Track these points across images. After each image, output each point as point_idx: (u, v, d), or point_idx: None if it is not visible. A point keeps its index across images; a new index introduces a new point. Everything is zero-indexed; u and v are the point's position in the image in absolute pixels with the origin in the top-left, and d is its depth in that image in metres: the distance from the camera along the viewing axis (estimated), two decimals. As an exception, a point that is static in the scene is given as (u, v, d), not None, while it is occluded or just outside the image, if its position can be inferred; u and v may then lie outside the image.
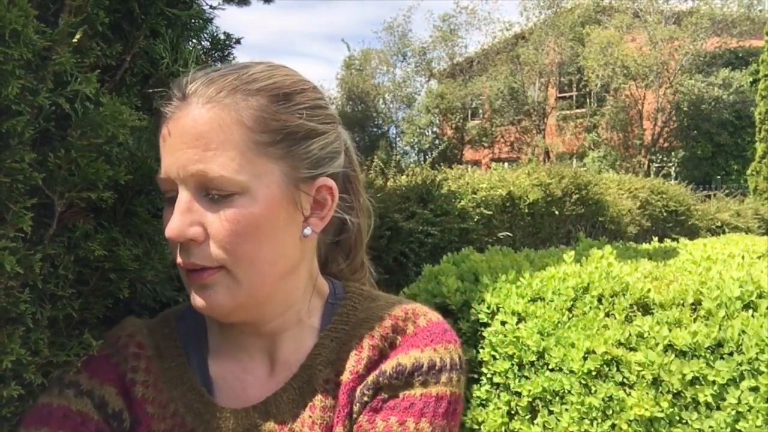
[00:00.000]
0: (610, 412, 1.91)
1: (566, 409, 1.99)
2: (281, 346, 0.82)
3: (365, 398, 0.77)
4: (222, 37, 1.16)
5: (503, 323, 2.20)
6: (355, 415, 0.77)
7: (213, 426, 0.78)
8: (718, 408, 1.78)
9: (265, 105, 0.75)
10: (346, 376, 0.78)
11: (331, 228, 0.89)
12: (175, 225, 0.72)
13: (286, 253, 0.78)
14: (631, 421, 1.87)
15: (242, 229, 0.72)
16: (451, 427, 0.76)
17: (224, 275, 0.74)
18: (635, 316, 2.03)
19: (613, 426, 1.90)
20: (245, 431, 0.78)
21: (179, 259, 0.75)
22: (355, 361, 0.79)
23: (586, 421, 1.95)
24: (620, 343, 1.95)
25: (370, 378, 0.77)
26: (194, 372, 0.82)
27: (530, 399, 2.07)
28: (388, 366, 0.77)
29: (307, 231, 0.79)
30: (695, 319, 1.92)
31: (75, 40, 0.77)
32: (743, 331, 1.81)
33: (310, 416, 0.78)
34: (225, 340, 0.84)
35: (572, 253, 2.53)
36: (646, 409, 1.83)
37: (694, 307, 1.97)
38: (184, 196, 0.73)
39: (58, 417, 0.74)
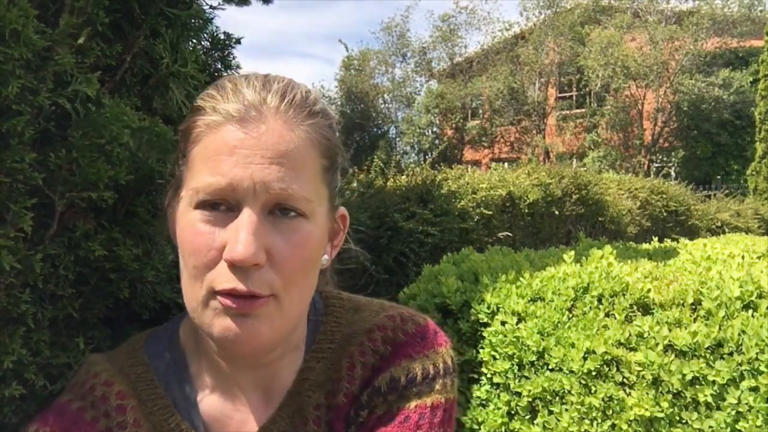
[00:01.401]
0: (610, 412, 1.91)
1: (566, 409, 1.99)
2: (276, 375, 0.76)
3: (360, 419, 0.74)
4: (222, 37, 1.16)
5: (503, 323, 2.20)
6: None
7: None
8: (718, 408, 1.78)
9: (326, 128, 0.73)
10: (340, 400, 0.74)
11: None
12: (250, 247, 0.64)
13: (315, 279, 0.75)
14: (631, 421, 1.87)
15: (306, 255, 0.69)
16: None
17: (272, 305, 0.68)
18: (635, 316, 2.03)
19: (613, 426, 1.90)
20: None
21: (233, 286, 0.65)
22: (348, 383, 0.75)
23: (586, 421, 1.95)
24: (620, 343, 1.95)
25: (364, 397, 0.74)
26: (182, 416, 0.74)
27: (530, 399, 2.07)
28: (381, 381, 0.74)
29: (325, 258, 0.76)
30: (695, 319, 1.92)
31: (79, 42, 0.77)
32: (743, 331, 1.81)
33: None
34: (213, 376, 0.76)
35: (572, 253, 2.53)
36: (646, 409, 1.83)
37: (694, 307, 1.97)
38: (251, 215, 0.66)
39: None
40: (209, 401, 0.76)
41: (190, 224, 0.68)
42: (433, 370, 0.75)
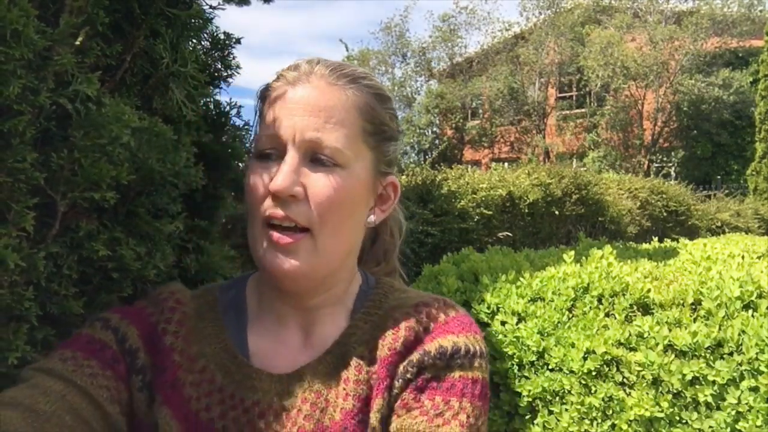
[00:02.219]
0: (610, 412, 1.91)
1: (566, 409, 1.99)
2: (318, 322, 0.86)
3: (408, 375, 0.81)
4: (222, 36, 1.16)
5: (503, 323, 2.20)
6: (396, 391, 0.81)
7: (245, 386, 0.81)
8: (718, 408, 1.78)
9: (372, 100, 0.86)
10: (384, 352, 0.83)
11: (369, 232, 0.95)
12: (284, 179, 0.79)
13: (355, 233, 0.87)
14: (631, 421, 1.87)
15: (338, 197, 0.81)
16: (484, 410, 0.83)
17: (308, 241, 0.80)
18: (635, 316, 2.03)
19: (613, 426, 1.90)
20: (277, 395, 0.81)
21: (274, 212, 0.80)
22: (392, 339, 0.83)
23: (586, 421, 1.95)
24: (620, 343, 1.95)
25: (415, 357, 0.82)
26: (230, 336, 0.85)
27: (530, 399, 2.07)
28: (431, 347, 0.82)
29: (371, 218, 0.89)
30: (695, 319, 1.93)
31: (78, 42, 0.77)
32: (743, 331, 1.81)
33: (344, 388, 0.81)
34: (263, 312, 0.88)
35: (572, 253, 2.53)
36: (646, 409, 1.83)
37: (694, 307, 1.97)
38: (293, 157, 0.81)
39: (82, 341, 0.79)
40: (256, 332, 0.87)
41: (250, 171, 0.84)
42: (473, 349, 0.83)
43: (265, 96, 0.87)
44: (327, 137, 0.81)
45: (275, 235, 0.80)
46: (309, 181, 0.81)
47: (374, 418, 0.80)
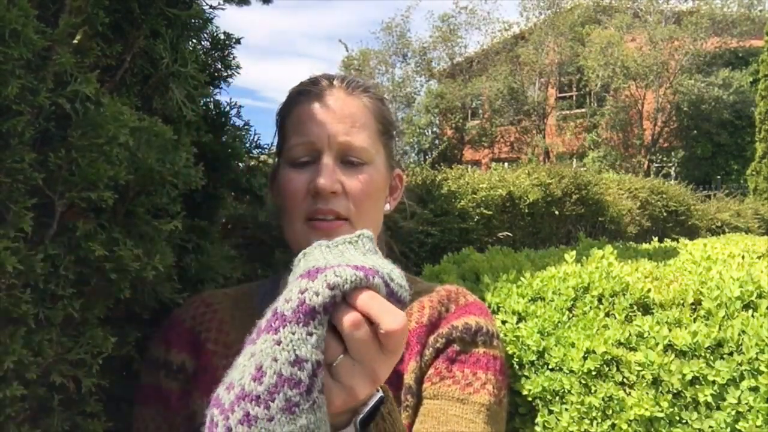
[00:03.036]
0: (610, 411, 1.91)
1: (566, 409, 1.99)
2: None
3: (438, 345, 0.92)
4: (222, 37, 1.16)
5: (504, 322, 2.20)
6: (426, 358, 0.92)
7: None
8: (718, 408, 1.78)
9: (380, 104, 1.02)
10: (412, 325, 0.93)
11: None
12: (328, 178, 0.91)
13: (380, 219, 1.01)
14: (631, 420, 1.87)
15: (370, 189, 0.94)
16: (505, 384, 0.98)
17: (348, 227, 0.92)
18: (635, 316, 2.03)
19: (613, 426, 1.90)
20: None
21: (318, 207, 0.90)
22: (419, 315, 0.94)
23: (586, 421, 1.95)
24: (620, 343, 1.95)
25: (444, 329, 0.93)
26: None
27: (530, 399, 2.07)
28: (458, 323, 0.94)
29: (387, 207, 1.03)
30: (695, 319, 1.93)
31: (76, 41, 0.77)
32: (743, 331, 1.81)
33: None
34: None
35: (573, 252, 2.53)
36: (646, 409, 1.83)
37: (694, 307, 1.97)
38: (329, 160, 0.93)
39: (151, 395, 0.92)
40: None
41: (286, 178, 0.95)
42: (492, 330, 0.98)
43: (289, 110, 1.00)
44: (355, 139, 0.94)
45: (320, 223, 0.91)
46: (344, 179, 0.93)
47: (409, 378, 0.90)
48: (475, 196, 4.42)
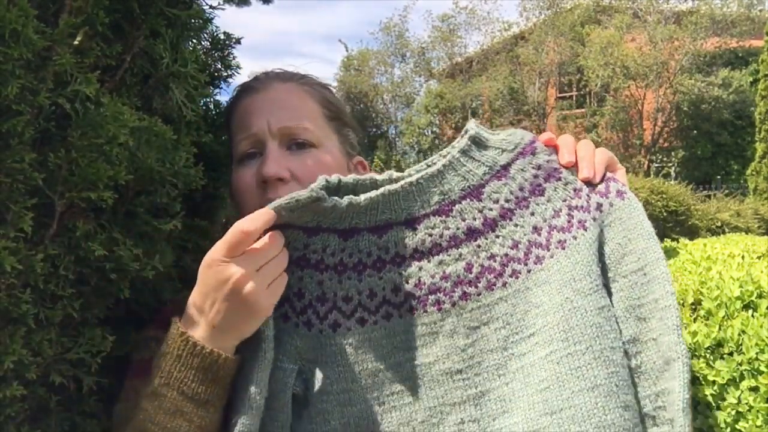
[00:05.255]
0: (610, 412, 1.91)
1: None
2: None
3: None
4: (222, 37, 1.16)
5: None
6: None
7: None
8: (718, 408, 1.78)
9: (324, 91, 1.02)
10: None
11: None
12: (272, 164, 0.91)
13: None
14: (631, 421, 1.87)
15: (320, 171, 0.87)
16: None
17: None
18: (635, 316, 2.03)
19: (613, 426, 1.90)
20: None
21: (266, 197, 0.89)
22: None
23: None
24: (620, 343, 1.95)
25: None
26: None
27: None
28: None
29: None
30: (695, 319, 1.92)
31: (76, 41, 0.77)
32: (743, 331, 1.81)
33: None
34: None
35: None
36: (646, 409, 1.83)
37: (694, 307, 1.97)
38: (274, 146, 0.93)
39: (150, 366, 0.85)
40: None
41: (235, 176, 0.95)
42: None
43: (231, 110, 1.01)
44: (297, 123, 0.94)
45: None
46: (292, 164, 0.92)
47: None
48: (475, 196, 4.41)
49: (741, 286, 1.91)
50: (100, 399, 0.87)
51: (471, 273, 0.78)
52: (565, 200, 0.80)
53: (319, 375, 0.78)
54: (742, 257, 2.81)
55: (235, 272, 0.74)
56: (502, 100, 20.18)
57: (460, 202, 0.80)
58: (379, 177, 0.81)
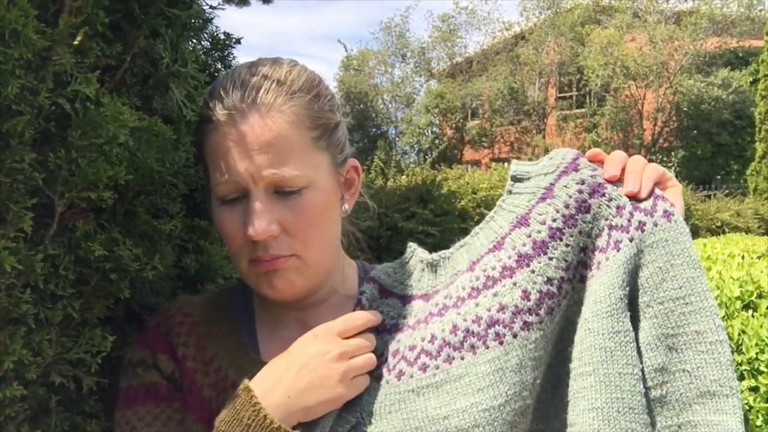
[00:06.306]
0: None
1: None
2: (318, 318, 0.87)
3: None
4: (222, 37, 1.16)
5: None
6: None
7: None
8: (718, 408, 1.78)
9: (308, 103, 0.84)
10: None
11: None
12: (261, 226, 0.80)
13: (336, 228, 0.90)
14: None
15: (313, 217, 0.83)
16: None
17: (296, 261, 0.84)
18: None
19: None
20: None
21: (258, 254, 0.82)
22: None
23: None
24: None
25: None
26: (242, 335, 0.90)
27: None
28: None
29: (345, 207, 0.91)
30: (695, 319, 1.92)
31: (76, 41, 0.77)
32: (743, 331, 1.81)
33: None
34: (267, 312, 0.92)
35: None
36: (646, 409, 1.83)
37: (694, 307, 1.96)
38: (259, 197, 0.81)
39: (141, 394, 0.85)
40: (265, 329, 0.92)
41: (220, 218, 0.85)
42: None
43: (203, 140, 0.86)
44: (284, 170, 0.80)
45: (264, 264, 0.82)
46: (282, 215, 0.81)
47: None
48: (475, 196, 4.43)
49: (741, 286, 1.91)
50: (100, 399, 0.87)
51: (529, 301, 0.75)
52: (607, 219, 0.77)
53: (380, 424, 0.77)
54: (742, 257, 2.81)
55: (336, 348, 0.78)
56: (502, 100, 20.19)
57: (510, 234, 0.79)
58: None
